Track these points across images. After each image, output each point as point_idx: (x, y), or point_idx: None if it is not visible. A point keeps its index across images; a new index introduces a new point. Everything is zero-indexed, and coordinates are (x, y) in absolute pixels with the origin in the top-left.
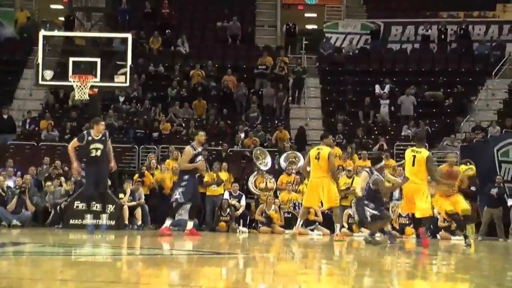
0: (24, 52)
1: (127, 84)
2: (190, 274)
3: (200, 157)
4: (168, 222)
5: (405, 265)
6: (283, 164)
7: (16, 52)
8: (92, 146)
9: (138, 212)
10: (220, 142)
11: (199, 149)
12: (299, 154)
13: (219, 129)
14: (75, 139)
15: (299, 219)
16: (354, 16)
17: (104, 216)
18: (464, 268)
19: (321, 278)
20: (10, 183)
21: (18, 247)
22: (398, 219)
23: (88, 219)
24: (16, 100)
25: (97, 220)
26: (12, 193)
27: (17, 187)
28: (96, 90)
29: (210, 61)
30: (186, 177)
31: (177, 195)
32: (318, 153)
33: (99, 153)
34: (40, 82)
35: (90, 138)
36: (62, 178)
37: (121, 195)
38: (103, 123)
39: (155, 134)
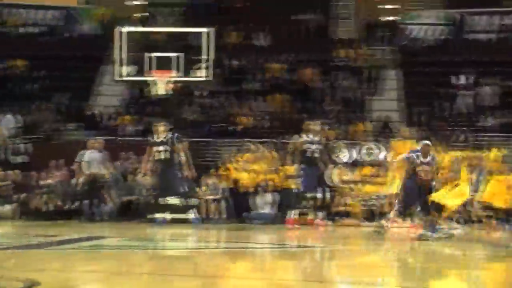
0: (103, 49)
1: (207, 78)
2: (268, 267)
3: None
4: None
5: None
6: (363, 156)
7: (95, 48)
8: (155, 149)
9: (220, 206)
10: (297, 135)
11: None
12: (379, 145)
13: (295, 122)
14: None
15: None
16: (433, 6)
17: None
18: None
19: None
20: None
21: (101, 241)
22: None
23: (192, 214)
24: (96, 96)
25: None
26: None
27: (44, 185)
28: (176, 85)
29: (287, 54)
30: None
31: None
32: None
33: (164, 155)
34: (119, 78)
35: (153, 140)
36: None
37: (202, 188)
38: (162, 125)
39: (234, 128)
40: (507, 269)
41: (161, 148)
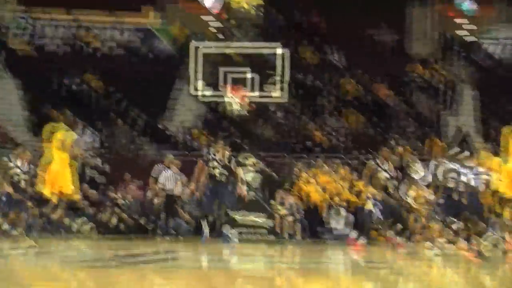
0: (180, 66)
1: (283, 98)
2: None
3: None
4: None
5: None
6: (439, 175)
7: (172, 65)
8: (215, 170)
9: (296, 224)
10: (372, 151)
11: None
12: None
13: (369, 138)
14: (201, 161)
15: None
16: (510, 21)
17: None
18: None
19: None
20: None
21: (177, 257)
22: None
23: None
24: (172, 112)
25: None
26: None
27: (120, 200)
28: (251, 105)
29: (361, 70)
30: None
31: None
32: None
33: (223, 177)
34: (195, 94)
35: (212, 158)
36: None
37: (278, 207)
38: (223, 146)
39: (310, 144)
40: None
41: (221, 169)
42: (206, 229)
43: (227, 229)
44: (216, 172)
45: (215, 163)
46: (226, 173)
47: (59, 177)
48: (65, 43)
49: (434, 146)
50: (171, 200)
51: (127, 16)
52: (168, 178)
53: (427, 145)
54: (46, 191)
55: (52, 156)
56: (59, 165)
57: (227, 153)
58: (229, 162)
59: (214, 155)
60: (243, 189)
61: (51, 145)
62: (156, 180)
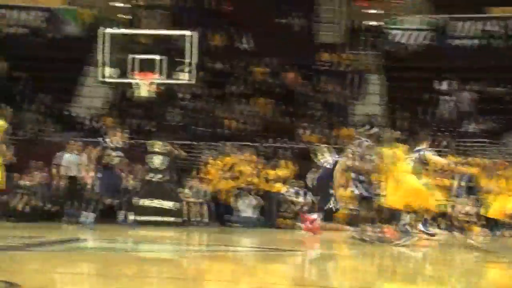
0: (88, 50)
1: (191, 81)
2: (251, 270)
3: None
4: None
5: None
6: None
7: (79, 49)
8: (110, 153)
9: (202, 208)
10: (281, 138)
11: None
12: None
13: (279, 126)
14: (97, 148)
15: None
16: (418, 11)
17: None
18: None
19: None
20: None
21: (82, 243)
22: None
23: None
24: (80, 98)
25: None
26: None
27: (25, 186)
28: (160, 87)
29: (272, 57)
30: None
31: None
32: None
33: (117, 160)
34: (103, 79)
35: (108, 144)
36: (123, 174)
37: (185, 191)
38: (120, 131)
39: (220, 131)
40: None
41: (117, 153)
42: (90, 215)
43: (125, 214)
44: (112, 156)
45: (110, 147)
46: (122, 155)
47: None
48: None
49: (342, 133)
50: (74, 185)
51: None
52: (70, 164)
53: (335, 132)
54: None
55: None
56: None
57: (123, 136)
58: (125, 145)
59: (109, 140)
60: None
61: None
62: (58, 166)
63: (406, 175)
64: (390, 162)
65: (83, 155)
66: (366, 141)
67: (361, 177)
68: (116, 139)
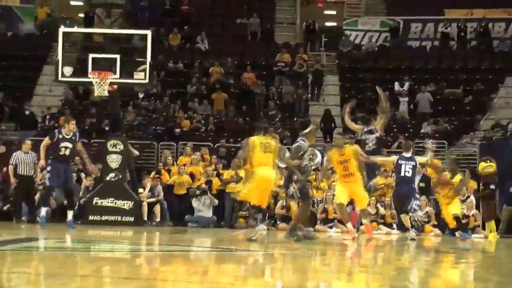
0: (44, 48)
1: (147, 80)
2: (207, 270)
3: None
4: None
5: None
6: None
7: (36, 48)
8: (62, 145)
9: (157, 208)
10: (239, 139)
11: None
12: (316, 151)
13: (238, 126)
14: (47, 137)
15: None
16: (373, 13)
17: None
18: (482, 266)
19: (340, 276)
20: None
21: (37, 242)
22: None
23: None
24: (36, 96)
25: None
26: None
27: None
28: (115, 86)
29: (229, 58)
30: None
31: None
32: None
33: (68, 152)
34: (60, 78)
35: (60, 136)
36: (82, 174)
37: (140, 191)
38: (73, 122)
39: (177, 131)
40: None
41: (67, 144)
42: (43, 209)
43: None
44: (63, 146)
45: (63, 138)
46: (70, 146)
47: None
48: None
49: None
50: (26, 184)
51: None
52: (20, 163)
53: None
54: None
55: None
56: None
57: (73, 127)
58: (74, 136)
59: (63, 130)
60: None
61: None
62: (12, 165)
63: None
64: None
65: (33, 154)
66: (303, 141)
67: (294, 177)
68: (68, 129)
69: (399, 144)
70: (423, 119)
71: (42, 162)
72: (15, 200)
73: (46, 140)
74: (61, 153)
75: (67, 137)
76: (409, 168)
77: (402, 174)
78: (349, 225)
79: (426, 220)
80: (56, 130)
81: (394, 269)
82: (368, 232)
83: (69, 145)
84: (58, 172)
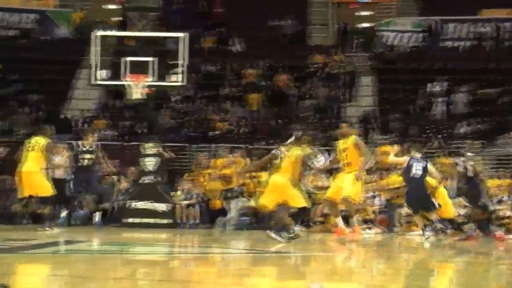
0: (79, 53)
1: (181, 83)
2: (243, 273)
3: None
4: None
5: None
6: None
7: (70, 52)
8: (81, 156)
9: (192, 210)
10: (272, 141)
11: None
12: (321, 153)
13: (271, 128)
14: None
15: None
16: (407, 13)
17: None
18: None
19: (376, 277)
20: None
21: (74, 245)
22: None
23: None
24: (71, 100)
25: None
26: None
27: None
28: (150, 89)
29: (262, 60)
30: None
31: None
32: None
33: (89, 162)
34: (95, 82)
35: (79, 149)
36: (120, 177)
37: (175, 194)
38: (94, 136)
39: (211, 133)
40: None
41: (87, 155)
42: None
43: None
44: (83, 158)
45: (82, 150)
46: (90, 156)
47: None
48: None
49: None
50: (62, 189)
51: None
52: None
53: (327, 134)
54: None
55: None
56: None
57: (92, 140)
58: (97, 148)
59: (81, 143)
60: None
61: None
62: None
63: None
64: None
65: (69, 156)
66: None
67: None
68: (88, 142)
69: (439, 145)
70: (458, 120)
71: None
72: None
73: (68, 152)
74: (81, 164)
75: (86, 149)
76: (419, 168)
77: (411, 174)
78: (339, 221)
79: (464, 220)
80: (76, 142)
81: (425, 270)
82: (353, 232)
83: (90, 156)
84: (80, 180)
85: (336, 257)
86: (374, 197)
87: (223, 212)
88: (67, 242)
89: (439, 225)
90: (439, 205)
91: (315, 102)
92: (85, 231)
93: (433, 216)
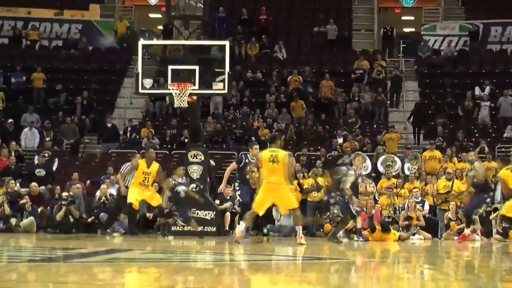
0: (124, 61)
1: (226, 91)
2: (289, 279)
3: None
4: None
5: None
6: (380, 168)
7: (116, 61)
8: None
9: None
10: (319, 147)
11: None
12: (396, 157)
13: (317, 134)
14: (234, 162)
15: (243, 223)
16: (452, 17)
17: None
18: None
19: (423, 283)
20: (113, 191)
21: (123, 253)
22: (502, 223)
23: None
24: (117, 109)
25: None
26: (59, 204)
27: (66, 197)
28: (195, 97)
29: (307, 66)
30: None
31: None
32: (275, 155)
33: (182, 193)
34: (140, 90)
35: (247, 160)
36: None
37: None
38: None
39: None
40: None
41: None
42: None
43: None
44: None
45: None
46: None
47: None
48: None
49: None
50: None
51: (73, 13)
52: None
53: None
54: None
55: None
56: None
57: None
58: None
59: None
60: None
61: None
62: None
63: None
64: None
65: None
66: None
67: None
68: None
69: (481, 149)
70: (505, 124)
71: (122, 189)
72: (101, 211)
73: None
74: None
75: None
76: None
77: None
78: (299, 229)
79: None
80: (243, 155)
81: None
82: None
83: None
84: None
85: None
86: (422, 202)
87: (272, 219)
88: (115, 251)
89: None
90: None
91: (361, 108)
92: (132, 239)
93: None
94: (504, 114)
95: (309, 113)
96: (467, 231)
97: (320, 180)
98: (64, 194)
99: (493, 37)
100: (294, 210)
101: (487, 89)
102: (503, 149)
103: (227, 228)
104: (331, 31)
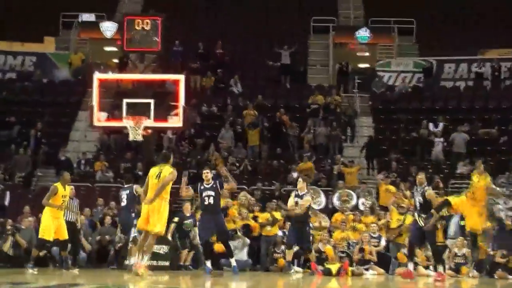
0: (79, 94)
1: (181, 124)
2: None
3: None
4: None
5: None
6: (336, 202)
7: (71, 94)
8: (204, 194)
9: (191, 253)
10: (273, 181)
11: None
12: (352, 192)
13: (272, 168)
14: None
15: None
16: (406, 54)
17: None
18: None
19: None
20: None
21: None
22: (454, 258)
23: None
24: (71, 142)
25: None
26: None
27: (11, 226)
28: (150, 131)
29: (263, 100)
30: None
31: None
32: (160, 172)
33: (211, 200)
34: (95, 123)
35: (202, 187)
36: (117, 219)
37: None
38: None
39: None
40: None
41: (209, 192)
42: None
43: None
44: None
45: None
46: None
47: None
48: None
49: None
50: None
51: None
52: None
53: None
54: None
55: None
56: None
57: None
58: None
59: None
60: None
61: None
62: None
63: None
64: None
65: (76, 200)
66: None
67: None
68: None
69: (436, 184)
70: (458, 159)
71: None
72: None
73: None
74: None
75: (207, 186)
76: None
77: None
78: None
79: (462, 261)
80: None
81: None
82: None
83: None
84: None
85: None
86: (379, 237)
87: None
88: (69, 286)
89: None
90: None
91: (315, 142)
92: (85, 273)
93: None
94: (457, 150)
95: (263, 144)
96: (410, 266)
97: (277, 214)
98: (9, 223)
99: (446, 73)
100: (152, 235)
101: (441, 125)
102: (456, 185)
103: (180, 263)
104: (285, 56)
